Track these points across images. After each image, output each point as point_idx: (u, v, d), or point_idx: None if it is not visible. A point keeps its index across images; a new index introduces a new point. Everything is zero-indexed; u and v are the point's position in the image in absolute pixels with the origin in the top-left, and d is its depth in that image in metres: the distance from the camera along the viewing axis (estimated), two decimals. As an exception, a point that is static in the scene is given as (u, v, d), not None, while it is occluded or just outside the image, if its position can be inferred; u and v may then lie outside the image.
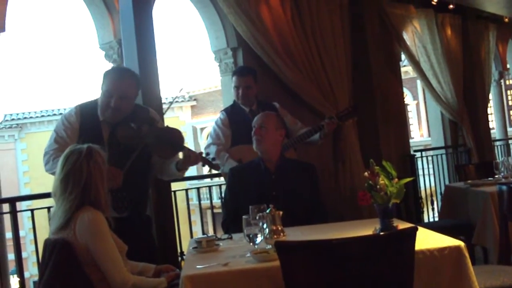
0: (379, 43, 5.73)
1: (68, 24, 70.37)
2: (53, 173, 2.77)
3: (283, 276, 1.95)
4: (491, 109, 9.52)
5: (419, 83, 16.84)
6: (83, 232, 2.35)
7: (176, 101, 21.11)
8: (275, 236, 2.47)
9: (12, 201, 3.71)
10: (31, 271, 15.14)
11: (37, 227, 3.81)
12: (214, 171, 3.60)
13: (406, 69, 15.30)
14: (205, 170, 3.49)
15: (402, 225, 2.52)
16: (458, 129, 7.16)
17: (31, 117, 21.80)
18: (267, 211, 2.51)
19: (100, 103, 3.11)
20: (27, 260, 15.06)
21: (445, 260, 2.16)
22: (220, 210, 3.73)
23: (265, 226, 2.44)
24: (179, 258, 4.08)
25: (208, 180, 11.93)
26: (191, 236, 4.14)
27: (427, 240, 2.30)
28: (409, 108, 19.75)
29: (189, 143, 19.55)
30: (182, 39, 58.52)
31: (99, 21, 4.46)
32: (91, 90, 54.78)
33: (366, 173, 2.46)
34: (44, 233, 2.65)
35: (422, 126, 20.38)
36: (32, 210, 3.82)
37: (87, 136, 2.88)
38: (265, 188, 3.28)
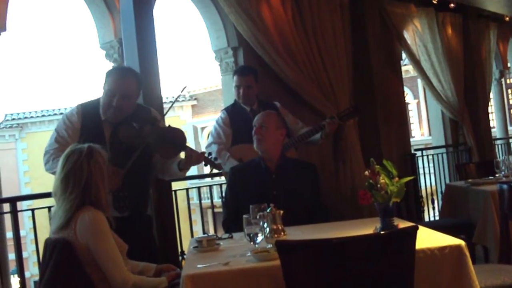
0: (379, 42, 5.73)
1: (68, 23, 70.49)
2: (53, 173, 2.77)
3: (284, 275, 1.94)
4: (492, 108, 9.50)
5: (419, 82, 16.81)
6: (84, 232, 2.35)
7: (177, 101, 21.12)
8: (276, 236, 2.48)
9: (13, 200, 3.70)
10: (32, 270, 15.17)
11: (37, 226, 3.80)
12: (215, 171, 3.59)
13: (407, 68, 15.32)
14: (207, 169, 3.48)
15: (403, 224, 2.52)
16: (458, 128, 7.17)
17: (31, 117, 21.83)
18: (268, 210, 2.51)
19: (102, 102, 3.10)
20: (27, 260, 15.02)
21: (445, 259, 2.16)
22: (220, 210, 3.72)
23: (265, 225, 2.43)
24: (180, 258, 4.07)
25: (208, 179, 11.94)
26: (192, 236, 4.14)
27: (428, 239, 2.29)
28: (409, 107, 19.77)
29: (189, 143, 19.55)
30: (182, 39, 58.61)
31: (99, 20, 4.46)
32: (92, 90, 54.87)
33: (366, 172, 2.46)
34: (44, 232, 2.64)
35: (422, 125, 20.39)
36: (32, 210, 3.81)
37: (89, 135, 2.88)
38: (266, 188, 3.28)
